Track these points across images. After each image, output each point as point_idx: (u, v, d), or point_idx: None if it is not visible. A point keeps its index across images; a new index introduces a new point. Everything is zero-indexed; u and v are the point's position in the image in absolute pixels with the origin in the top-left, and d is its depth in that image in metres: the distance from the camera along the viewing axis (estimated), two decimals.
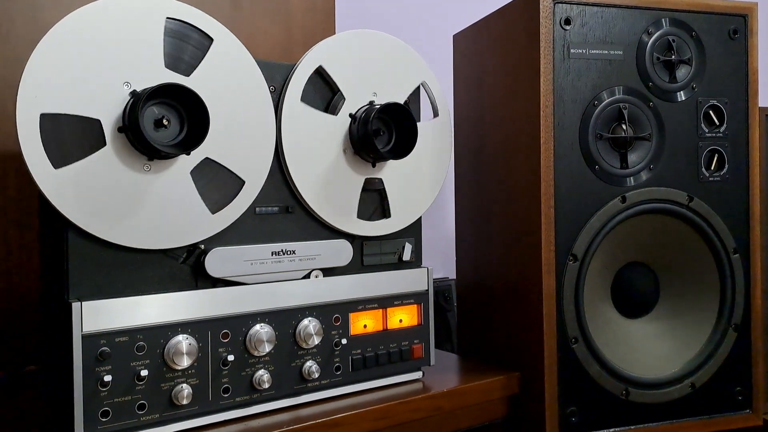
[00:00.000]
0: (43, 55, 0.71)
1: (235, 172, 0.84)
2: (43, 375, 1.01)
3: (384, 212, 0.98)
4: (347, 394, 0.94)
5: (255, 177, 0.85)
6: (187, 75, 0.79)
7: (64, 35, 0.72)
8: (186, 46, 0.80)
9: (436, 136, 1.03)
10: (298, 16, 1.36)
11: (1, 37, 1.07)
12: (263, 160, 0.86)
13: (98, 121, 0.74)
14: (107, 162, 0.74)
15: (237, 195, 0.84)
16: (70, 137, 0.73)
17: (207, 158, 0.81)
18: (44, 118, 0.71)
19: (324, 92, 0.93)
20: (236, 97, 0.84)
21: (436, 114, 1.04)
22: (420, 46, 1.08)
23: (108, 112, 0.74)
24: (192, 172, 0.80)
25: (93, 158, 0.73)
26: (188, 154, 0.79)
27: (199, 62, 0.81)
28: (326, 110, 0.93)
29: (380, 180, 0.97)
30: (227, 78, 0.83)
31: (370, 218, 0.97)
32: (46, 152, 0.71)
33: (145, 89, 0.74)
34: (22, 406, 0.91)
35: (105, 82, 0.74)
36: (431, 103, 1.04)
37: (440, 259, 1.55)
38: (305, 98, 0.90)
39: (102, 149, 0.74)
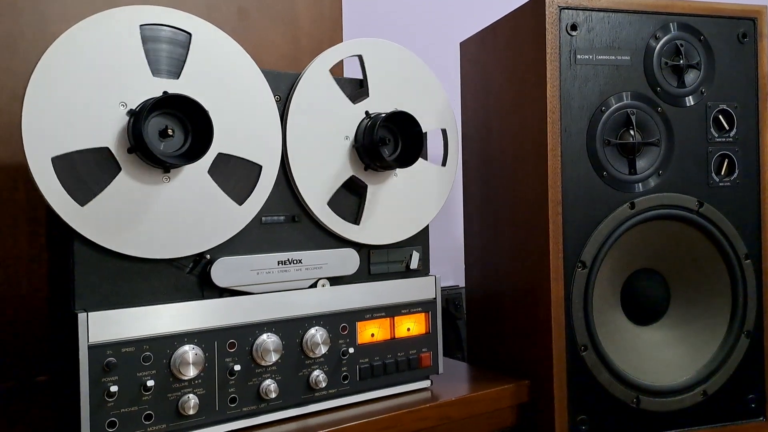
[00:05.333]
0: (34, 97, 0.71)
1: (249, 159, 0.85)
2: (52, 385, 1.01)
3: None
4: (355, 403, 0.93)
5: (261, 184, 0.86)
6: (176, 77, 0.79)
7: (47, 74, 0.72)
8: (166, 48, 0.80)
9: (441, 179, 1.03)
10: (305, 25, 1.36)
11: (10, 50, 1.08)
12: (269, 168, 0.86)
13: (107, 149, 0.74)
14: (125, 185, 0.75)
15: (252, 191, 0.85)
16: (85, 172, 0.73)
17: (221, 153, 0.82)
18: (56, 160, 0.72)
19: (352, 84, 0.95)
20: (239, 104, 0.84)
21: (444, 163, 1.04)
22: (427, 54, 1.08)
23: (113, 137, 0.74)
24: (210, 172, 0.81)
25: (112, 187, 0.74)
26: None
27: (184, 61, 0.80)
28: (350, 99, 0.94)
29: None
30: (218, 73, 0.83)
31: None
32: (68, 194, 0.72)
33: (145, 103, 0.74)
34: (33, 416, 0.91)
35: (101, 109, 0.74)
36: (444, 150, 1.04)
37: (451, 267, 1.54)
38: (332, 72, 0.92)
39: (119, 175, 0.75)
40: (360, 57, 0.95)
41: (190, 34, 0.81)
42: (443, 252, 1.50)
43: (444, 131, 1.04)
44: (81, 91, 0.73)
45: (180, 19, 0.80)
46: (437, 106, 1.02)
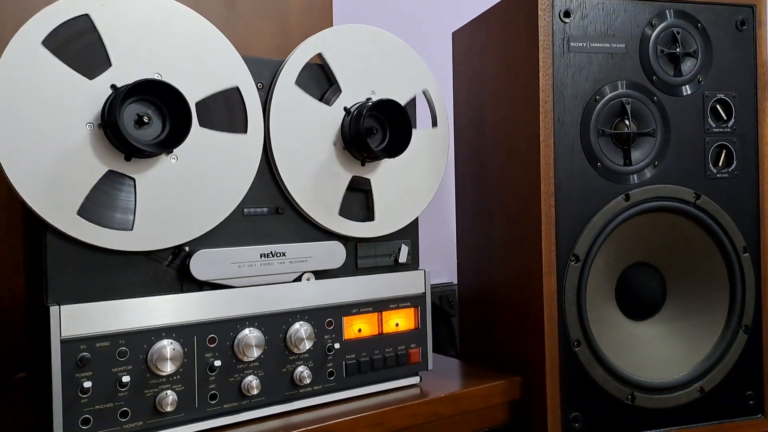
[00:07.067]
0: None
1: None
2: (30, 382, 0.99)
3: (369, 216, 0.95)
4: (341, 400, 0.91)
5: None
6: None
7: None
8: None
9: (434, 144, 1.00)
10: (294, 16, 1.34)
11: None
12: (250, 159, 0.84)
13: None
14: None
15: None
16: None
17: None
18: None
19: (320, 82, 0.91)
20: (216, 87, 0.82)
21: (435, 124, 1.01)
22: (419, 45, 1.06)
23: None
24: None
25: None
26: (170, 152, 0.76)
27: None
28: (320, 100, 0.90)
29: (368, 180, 0.94)
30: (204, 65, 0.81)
31: (358, 219, 0.94)
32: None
33: (124, 85, 0.72)
34: (13, 415, 0.89)
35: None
36: (431, 111, 1.01)
37: (445, 263, 1.52)
38: (300, 83, 0.88)
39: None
40: (320, 56, 0.91)
41: None
42: (437, 248, 1.48)
43: (426, 92, 1.00)
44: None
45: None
46: (412, 70, 0.99)
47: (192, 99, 0.78)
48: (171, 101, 0.74)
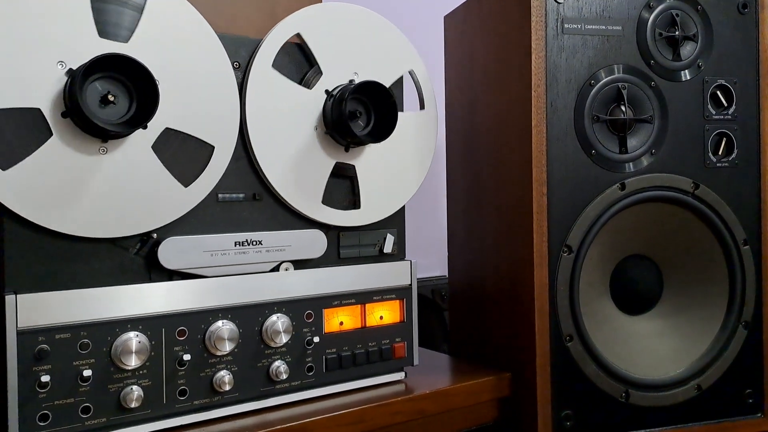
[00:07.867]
0: None
1: (201, 139, 0.78)
2: None
3: (354, 202, 0.91)
4: (320, 396, 0.87)
5: (217, 159, 0.79)
6: (126, 41, 0.72)
7: None
8: (118, 9, 0.72)
9: (420, 128, 0.96)
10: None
11: None
12: (225, 142, 0.79)
13: (38, 110, 0.67)
14: (57, 153, 0.68)
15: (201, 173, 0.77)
16: (11, 133, 0.66)
17: (168, 128, 0.75)
18: None
19: (299, 64, 0.87)
20: (189, 65, 0.77)
21: (422, 106, 0.97)
22: (410, 29, 1.02)
23: (47, 98, 0.67)
24: (153, 147, 0.74)
25: (41, 152, 0.67)
26: (145, 127, 0.71)
27: (137, 25, 0.73)
28: (300, 83, 0.86)
29: (353, 166, 0.90)
30: (175, 41, 0.76)
31: (341, 207, 0.89)
32: None
33: (81, 65, 0.67)
34: None
35: (36, 65, 0.67)
36: (418, 94, 0.97)
37: (438, 256, 1.48)
38: (277, 65, 0.83)
39: (49, 140, 0.67)
40: (299, 35, 0.86)
41: None
42: (430, 240, 1.44)
43: (412, 73, 0.96)
44: (13, 44, 0.66)
45: None
46: (397, 50, 0.94)
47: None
48: (134, 75, 0.70)
